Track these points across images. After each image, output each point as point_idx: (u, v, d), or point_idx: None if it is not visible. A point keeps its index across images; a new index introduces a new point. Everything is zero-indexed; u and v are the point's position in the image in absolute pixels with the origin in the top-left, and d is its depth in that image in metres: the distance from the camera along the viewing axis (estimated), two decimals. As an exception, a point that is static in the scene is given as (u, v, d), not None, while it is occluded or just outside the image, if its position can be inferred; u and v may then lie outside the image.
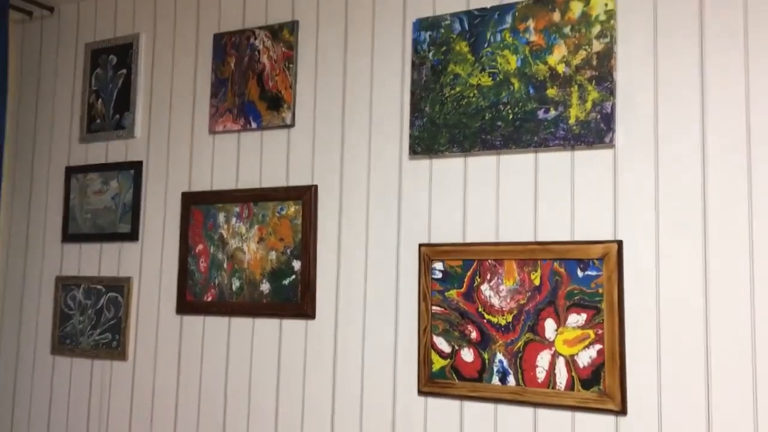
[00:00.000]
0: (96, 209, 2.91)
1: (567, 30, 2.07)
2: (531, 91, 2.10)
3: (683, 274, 1.88)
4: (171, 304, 2.69)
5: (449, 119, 2.21)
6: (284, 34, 2.55)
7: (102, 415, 2.79)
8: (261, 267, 2.50)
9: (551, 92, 2.07)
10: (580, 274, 1.99)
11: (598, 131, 1.99)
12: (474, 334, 2.11)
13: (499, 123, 2.13)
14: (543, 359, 2.01)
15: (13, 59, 3.21)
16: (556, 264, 2.02)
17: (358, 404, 2.29)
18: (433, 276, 2.19)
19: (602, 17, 2.02)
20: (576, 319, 1.98)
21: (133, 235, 2.80)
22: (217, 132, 2.66)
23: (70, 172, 2.99)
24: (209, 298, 2.60)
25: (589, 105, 2.01)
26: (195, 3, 2.79)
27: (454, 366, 2.14)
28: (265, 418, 2.45)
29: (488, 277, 2.11)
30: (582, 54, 2.04)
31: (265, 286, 2.49)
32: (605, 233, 1.98)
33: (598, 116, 2.00)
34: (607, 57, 2.00)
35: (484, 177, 2.17)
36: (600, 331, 1.94)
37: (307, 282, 2.40)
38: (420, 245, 2.22)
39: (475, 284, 2.13)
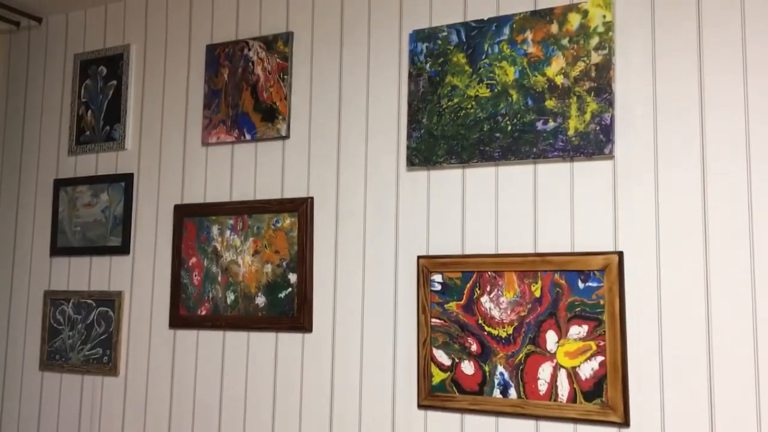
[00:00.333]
0: (86, 222, 2.86)
1: (565, 42, 2.07)
2: (529, 102, 2.10)
3: (684, 285, 1.88)
4: (164, 318, 2.65)
5: (447, 131, 2.20)
6: (279, 45, 2.53)
7: (92, 432, 2.74)
8: (256, 280, 2.47)
9: (550, 104, 2.07)
10: (581, 285, 1.98)
11: (597, 142, 2.00)
12: (474, 347, 2.10)
13: (498, 134, 2.13)
14: (545, 371, 2.00)
15: (0, 70, 3.16)
16: (556, 275, 2.01)
17: (356, 419, 2.26)
18: (432, 288, 2.17)
19: (600, 29, 2.03)
20: (577, 330, 1.97)
21: (124, 249, 2.76)
22: (211, 144, 2.63)
23: (59, 184, 2.95)
24: (203, 312, 2.56)
25: (588, 116, 2.01)
26: (187, 14, 2.77)
27: (455, 379, 2.12)
28: (261, 433, 2.42)
29: (488, 289, 2.10)
30: (580, 65, 2.04)
31: (261, 300, 2.46)
32: (606, 244, 1.98)
33: (598, 128, 2.00)
34: (605, 68, 2.01)
35: (483, 188, 2.16)
36: (602, 343, 1.94)
37: (304, 295, 2.37)
38: (418, 257, 2.20)
39: (475, 296, 2.11)
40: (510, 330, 2.06)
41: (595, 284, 1.96)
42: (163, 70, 2.80)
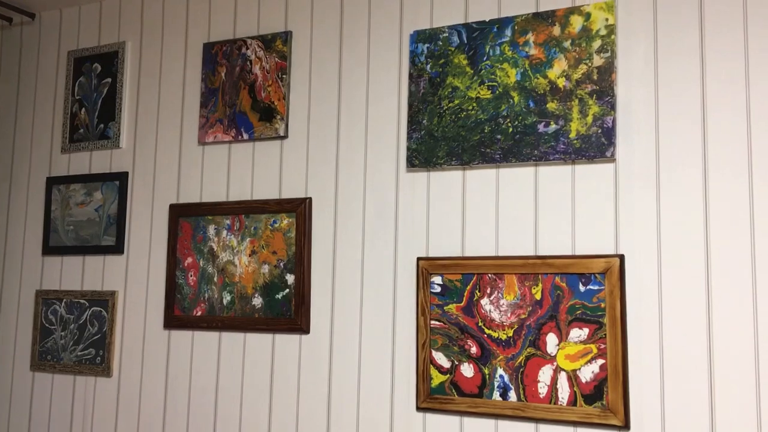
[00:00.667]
0: (79, 221, 2.83)
1: (567, 44, 2.07)
2: (531, 104, 2.09)
3: (686, 288, 1.88)
4: (158, 318, 2.63)
5: (448, 132, 2.19)
6: (277, 44, 2.51)
7: (85, 433, 2.71)
8: (253, 280, 2.45)
9: (551, 106, 2.07)
10: (581, 288, 1.98)
11: (599, 145, 2.00)
12: (474, 349, 2.09)
13: (499, 136, 2.12)
14: (545, 374, 2.00)
15: (-8, 66, 3.13)
16: (557, 278, 2.01)
17: (354, 421, 2.25)
18: (432, 290, 2.17)
19: (603, 32, 2.03)
20: (578, 333, 1.97)
21: (118, 248, 2.73)
22: (207, 143, 2.61)
23: (52, 182, 2.91)
24: (199, 313, 2.54)
25: (589, 119, 2.01)
26: (184, 12, 2.74)
27: (454, 381, 2.11)
28: (257, 435, 2.40)
29: (488, 291, 2.09)
30: (582, 68, 2.04)
31: (258, 300, 2.44)
32: (607, 247, 1.98)
33: (599, 130, 2.00)
34: (607, 71, 2.01)
35: (484, 190, 2.15)
36: (603, 346, 1.94)
37: (302, 296, 2.36)
38: (418, 259, 2.19)
39: (475, 298, 2.11)
40: (510, 332, 2.06)
41: (596, 287, 1.96)
42: (159, 67, 2.77)
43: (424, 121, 2.23)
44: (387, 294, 2.25)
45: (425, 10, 2.30)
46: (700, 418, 1.83)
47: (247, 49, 2.56)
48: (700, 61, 1.93)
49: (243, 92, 2.55)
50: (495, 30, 2.17)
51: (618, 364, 1.91)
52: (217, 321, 2.50)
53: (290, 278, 2.39)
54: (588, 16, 2.05)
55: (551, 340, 2.00)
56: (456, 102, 2.19)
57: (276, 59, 2.51)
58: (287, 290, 2.39)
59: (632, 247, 1.95)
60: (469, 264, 2.12)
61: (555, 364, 1.99)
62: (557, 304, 2.00)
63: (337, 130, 2.40)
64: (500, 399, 2.05)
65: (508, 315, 2.06)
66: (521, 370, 2.03)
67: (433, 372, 2.14)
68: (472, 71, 2.18)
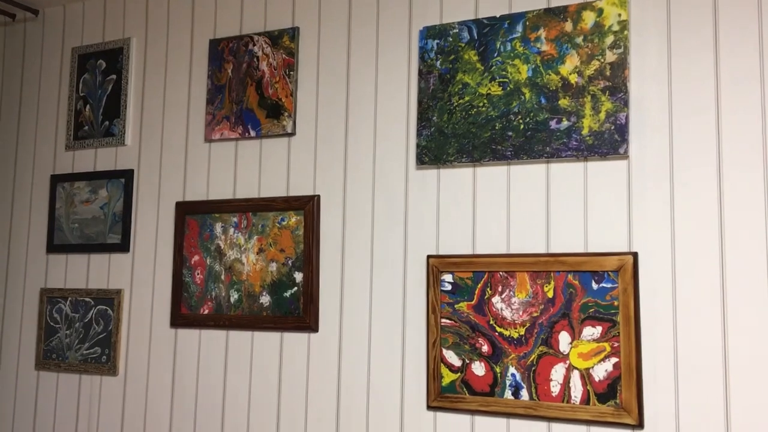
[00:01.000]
0: (84, 219, 2.81)
1: (579, 40, 2.05)
2: (543, 101, 2.08)
3: (700, 286, 1.87)
4: (165, 317, 2.61)
5: (458, 129, 2.17)
6: (284, 40, 2.49)
7: (90, 432, 2.69)
8: (261, 279, 2.44)
9: (563, 102, 2.05)
10: (594, 286, 1.96)
11: (612, 142, 1.98)
12: (485, 348, 2.08)
13: (510, 133, 2.11)
14: (557, 373, 1.99)
15: (-5, 63, 3.10)
16: (570, 276, 2.00)
17: (364, 420, 2.23)
18: (443, 288, 2.15)
19: (615, 27, 2.01)
20: (591, 332, 1.95)
21: (123, 246, 2.71)
22: (214, 140, 2.59)
23: (56, 180, 2.89)
24: (206, 311, 2.52)
25: (602, 116, 2.00)
26: (189, 7, 2.72)
27: (465, 380, 2.10)
28: (265, 434, 2.38)
29: (500, 290, 2.08)
30: (595, 64, 2.02)
31: (266, 299, 2.42)
32: (620, 245, 1.96)
33: (612, 127, 1.98)
34: (620, 67, 1.99)
35: (495, 187, 2.13)
36: (616, 344, 1.92)
37: (310, 294, 2.34)
38: (428, 257, 2.17)
39: (486, 296, 2.09)
40: (522, 331, 2.04)
41: (609, 285, 1.95)
42: (164, 64, 2.75)
43: (434, 118, 2.21)
44: (397, 292, 2.23)
45: (435, 6, 2.28)
46: (714, 417, 1.82)
47: (254, 45, 2.54)
48: (714, 57, 1.92)
49: (250, 89, 2.53)
50: (506, 26, 2.15)
51: (632, 363, 1.90)
52: (224, 319, 2.48)
53: (298, 276, 2.37)
54: (600, 11, 2.03)
55: (564, 339, 1.99)
56: (466, 98, 2.17)
57: (283, 55, 2.49)
58: (295, 288, 2.37)
59: (646, 244, 1.93)
60: (480, 262, 2.11)
61: (568, 362, 1.98)
62: (570, 302, 1.99)
63: (346, 127, 2.38)
64: (512, 398, 2.03)
65: (520, 313, 2.05)
66: (533, 368, 2.01)
67: (444, 371, 2.12)
68: (482, 67, 2.17)
